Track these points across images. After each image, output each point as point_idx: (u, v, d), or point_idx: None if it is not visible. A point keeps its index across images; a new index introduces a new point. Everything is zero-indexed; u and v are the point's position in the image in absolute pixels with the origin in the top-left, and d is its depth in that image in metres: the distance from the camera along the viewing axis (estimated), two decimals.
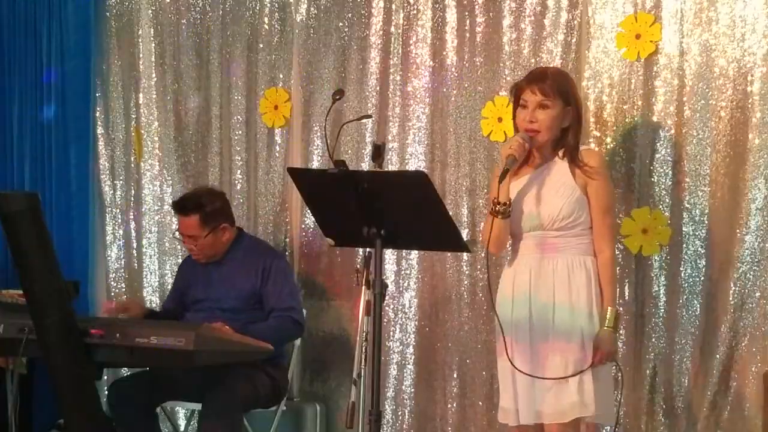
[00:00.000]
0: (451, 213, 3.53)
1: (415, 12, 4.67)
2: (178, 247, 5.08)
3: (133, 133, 5.40)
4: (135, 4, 5.37)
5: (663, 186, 4.12)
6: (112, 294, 5.44)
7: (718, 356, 4.01)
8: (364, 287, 3.25)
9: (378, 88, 4.77)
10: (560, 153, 3.57)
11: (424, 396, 4.67)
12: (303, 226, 5.00)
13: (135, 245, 5.42)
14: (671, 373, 4.11)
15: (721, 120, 4.02)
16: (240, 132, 5.14)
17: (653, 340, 4.14)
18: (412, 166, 4.66)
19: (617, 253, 3.95)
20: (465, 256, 4.50)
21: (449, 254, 4.55)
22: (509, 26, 4.44)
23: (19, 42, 5.67)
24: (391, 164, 4.67)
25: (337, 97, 3.76)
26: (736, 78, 3.99)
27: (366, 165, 4.68)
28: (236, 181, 5.16)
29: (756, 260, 3.95)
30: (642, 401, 4.15)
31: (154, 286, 5.36)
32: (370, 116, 4.65)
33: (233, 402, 4.17)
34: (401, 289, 4.70)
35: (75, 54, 5.57)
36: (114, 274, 5.46)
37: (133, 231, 5.43)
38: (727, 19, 4.00)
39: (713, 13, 4.03)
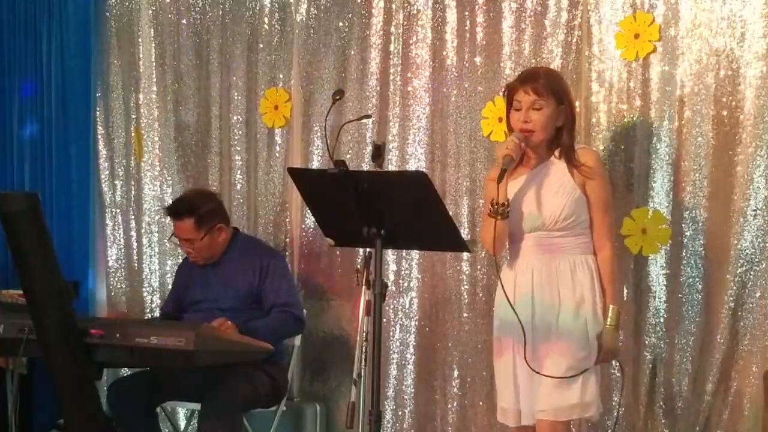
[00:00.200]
0: (451, 213, 3.53)
1: (415, 12, 4.67)
2: (178, 247, 5.08)
3: (133, 133, 5.40)
4: (135, 4, 5.37)
5: (662, 186, 4.12)
6: (112, 293, 5.44)
7: (718, 356, 4.01)
8: (364, 287, 3.25)
9: (378, 88, 4.77)
10: (556, 153, 3.56)
11: (424, 396, 4.67)
12: (303, 226, 5.00)
13: (135, 245, 5.42)
14: (671, 374, 4.11)
15: (721, 120, 4.02)
16: (240, 132, 5.15)
17: (653, 340, 4.14)
18: (412, 166, 4.66)
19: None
20: (465, 256, 4.50)
21: (449, 254, 4.55)
22: (509, 26, 4.44)
23: (19, 42, 5.67)
24: (391, 164, 4.67)
25: (337, 97, 3.76)
26: (735, 77, 3.99)
27: (366, 165, 4.68)
28: (236, 182, 5.16)
29: (756, 260, 3.95)
30: (641, 402, 4.15)
31: (154, 286, 5.36)
32: (370, 116, 4.66)
33: (233, 402, 4.17)
34: (401, 289, 4.70)
35: (75, 54, 5.58)
36: (114, 274, 5.46)
37: (133, 231, 5.43)
38: (725, 19, 4.00)
39: (712, 13, 4.02)
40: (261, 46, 5.08)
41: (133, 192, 5.42)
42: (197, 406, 4.35)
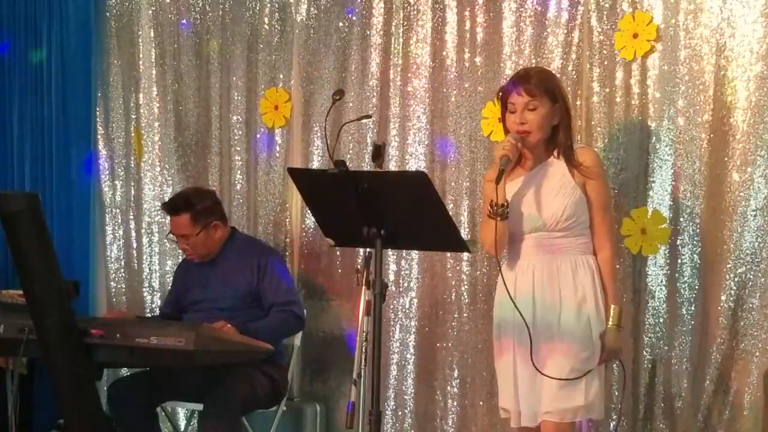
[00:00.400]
0: (451, 213, 3.54)
1: (415, 12, 4.67)
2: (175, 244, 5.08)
3: (133, 133, 5.40)
4: (135, 4, 5.37)
5: (662, 186, 4.12)
6: (112, 293, 5.44)
7: (717, 356, 4.01)
8: (364, 287, 3.25)
9: (378, 88, 4.77)
10: (555, 153, 3.56)
11: (424, 396, 4.67)
12: (303, 226, 5.00)
13: (135, 245, 5.43)
14: (670, 374, 4.11)
15: (720, 120, 4.02)
16: (240, 132, 5.15)
17: (652, 340, 4.14)
18: (412, 166, 4.66)
19: None
20: (465, 256, 4.50)
21: (449, 254, 4.55)
22: (509, 26, 4.44)
23: (19, 42, 5.67)
24: (392, 164, 4.67)
25: (337, 97, 3.76)
26: (735, 77, 3.99)
27: (366, 165, 4.68)
28: (236, 182, 5.16)
29: (756, 260, 3.95)
30: (641, 402, 4.15)
31: (155, 286, 5.36)
32: (370, 116, 4.66)
33: (233, 402, 4.17)
34: (401, 289, 4.70)
35: (75, 54, 5.58)
36: (114, 274, 5.46)
37: (133, 231, 5.43)
38: (725, 19, 4.00)
39: (711, 13, 4.02)
40: (261, 46, 5.08)
41: (133, 192, 5.42)
42: (197, 406, 4.36)
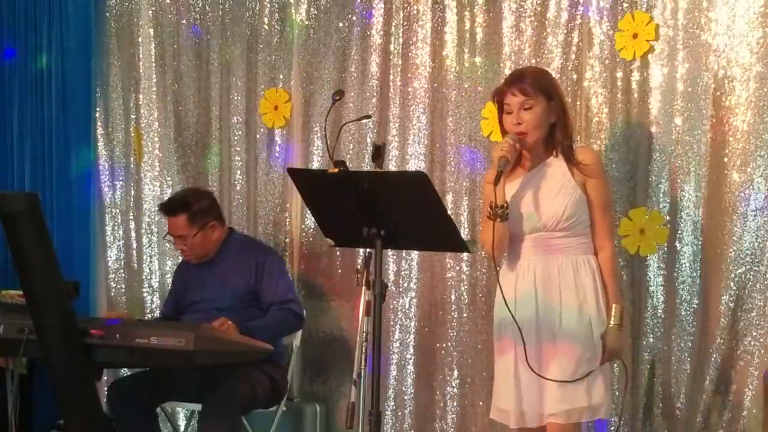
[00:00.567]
0: (451, 213, 3.54)
1: (415, 12, 4.67)
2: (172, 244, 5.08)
3: (132, 134, 5.40)
4: (135, 4, 5.37)
5: (660, 186, 4.12)
6: (112, 294, 5.44)
7: (717, 356, 4.01)
8: (364, 287, 3.25)
9: (378, 88, 4.77)
10: (554, 152, 3.56)
11: (424, 396, 4.67)
12: (303, 226, 5.00)
13: (135, 245, 5.43)
14: (669, 374, 4.11)
15: (719, 120, 4.02)
16: (240, 132, 5.15)
17: (651, 340, 4.14)
18: (412, 166, 4.66)
19: None
20: (465, 256, 4.50)
21: (449, 254, 4.55)
22: (509, 26, 4.44)
23: (19, 41, 5.67)
24: (392, 164, 4.67)
25: (337, 97, 3.76)
26: (734, 77, 3.99)
27: (366, 165, 4.68)
28: (236, 182, 5.16)
29: (756, 260, 3.95)
30: (640, 402, 4.14)
31: (154, 287, 5.36)
32: (370, 117, 4.66)
33: (233, 402, 4.17)
34: (401, 289, 4.70)
35: (75, 54, 5.58)
36: (114, 274, 5.46)
37: (133, 231, 5.44)
38: (724, 19, 4.00)
39: (710, 13, 4.02)
40: (261, 46, 5.08)
41: (133, 192, 5.43)
42: (197, 407, 4.35)
